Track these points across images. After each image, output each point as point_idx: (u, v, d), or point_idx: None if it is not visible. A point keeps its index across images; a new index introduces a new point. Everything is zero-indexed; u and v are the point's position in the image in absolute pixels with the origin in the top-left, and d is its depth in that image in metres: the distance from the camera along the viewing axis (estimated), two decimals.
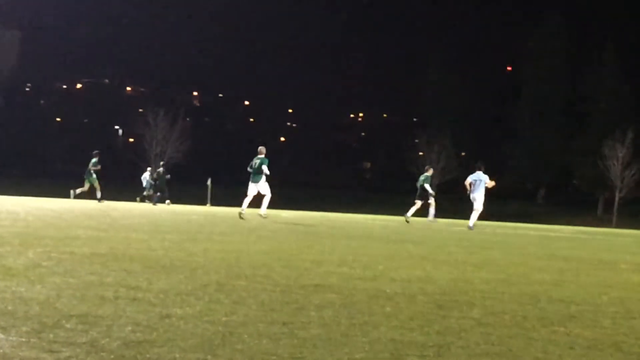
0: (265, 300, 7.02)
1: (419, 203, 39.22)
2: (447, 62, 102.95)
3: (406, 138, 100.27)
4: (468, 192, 32.03)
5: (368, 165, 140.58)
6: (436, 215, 43.30)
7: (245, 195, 30.51)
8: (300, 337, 5.45)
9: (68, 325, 5.38)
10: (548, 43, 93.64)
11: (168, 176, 52.08)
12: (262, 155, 30.15)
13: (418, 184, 40.63)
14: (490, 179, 31.37)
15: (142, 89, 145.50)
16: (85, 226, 17.86)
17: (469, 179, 32.00)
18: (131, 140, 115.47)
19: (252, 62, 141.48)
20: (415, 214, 38.99)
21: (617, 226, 67.82)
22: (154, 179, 53.37)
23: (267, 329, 5.65)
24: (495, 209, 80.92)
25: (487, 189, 31.60)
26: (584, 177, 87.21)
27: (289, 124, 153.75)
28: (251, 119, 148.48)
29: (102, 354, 4.65)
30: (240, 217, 28.69)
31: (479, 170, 31.82)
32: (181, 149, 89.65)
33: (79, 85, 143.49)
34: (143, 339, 5.08)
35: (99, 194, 42.11)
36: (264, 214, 30.20)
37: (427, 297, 7.85)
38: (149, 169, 57.82)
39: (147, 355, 4.67)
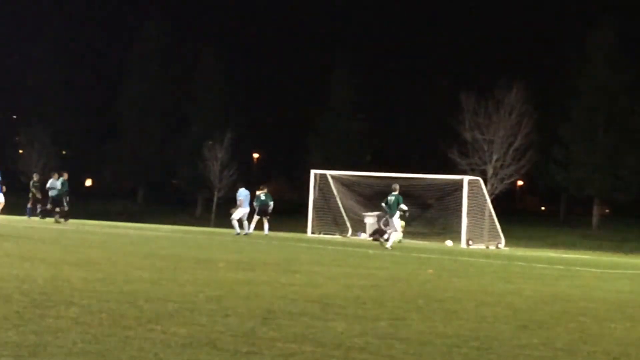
0: None
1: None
2: (47, 58, 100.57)
3: (6, 136, 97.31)
4: None
5: None
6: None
7: None
8: None
9: None
10: (149, 44, 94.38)
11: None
12: (396, 192, 31.89)
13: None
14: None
15: None
16: None
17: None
18: None
19: None
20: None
21: (216, 225, 69.20)
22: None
23: None
24: (96, 207, 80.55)
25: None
26: (184, 177, 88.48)
27: None
28: None
29: None
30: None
31: None
32: None
33: None
34: None
35: None
36: (389, 246, 31.10)
37: (24, 296, 7.71)
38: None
39: None
